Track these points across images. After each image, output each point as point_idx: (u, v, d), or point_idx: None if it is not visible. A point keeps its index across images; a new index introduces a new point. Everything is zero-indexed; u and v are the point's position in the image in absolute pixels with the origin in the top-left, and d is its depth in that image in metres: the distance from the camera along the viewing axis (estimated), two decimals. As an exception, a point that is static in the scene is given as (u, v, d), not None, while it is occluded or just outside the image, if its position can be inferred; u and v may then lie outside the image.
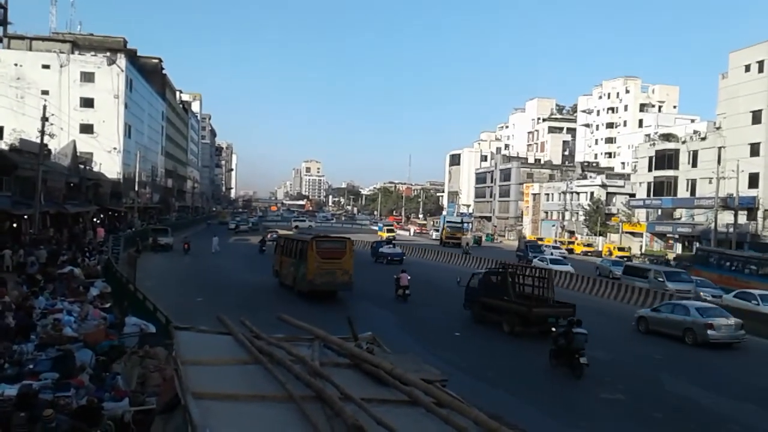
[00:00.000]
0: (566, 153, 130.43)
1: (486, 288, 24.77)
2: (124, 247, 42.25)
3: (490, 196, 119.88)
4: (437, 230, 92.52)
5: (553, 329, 18.04)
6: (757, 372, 19.05)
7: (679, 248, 68.94)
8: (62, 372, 10.49)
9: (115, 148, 64.27)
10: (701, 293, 31.79)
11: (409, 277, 29.32)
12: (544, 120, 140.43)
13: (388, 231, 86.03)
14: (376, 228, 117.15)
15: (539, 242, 71.62)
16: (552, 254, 52.72)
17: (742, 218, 57.77)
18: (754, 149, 58.91)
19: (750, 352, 21.62)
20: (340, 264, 28.83)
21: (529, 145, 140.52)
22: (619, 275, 39.52)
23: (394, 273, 32.12)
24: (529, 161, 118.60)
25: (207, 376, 4.48)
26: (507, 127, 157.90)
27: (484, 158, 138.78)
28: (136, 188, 65.39)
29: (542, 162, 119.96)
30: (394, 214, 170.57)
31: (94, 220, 53.80)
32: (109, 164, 62.23)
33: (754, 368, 19.57)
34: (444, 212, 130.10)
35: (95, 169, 58.75)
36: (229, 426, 3.77)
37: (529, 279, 24.49)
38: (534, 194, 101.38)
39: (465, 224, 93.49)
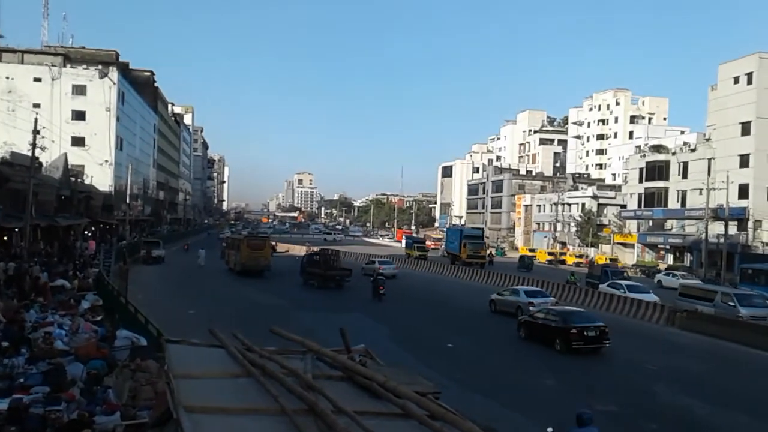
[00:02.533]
0: (557, 164, 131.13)
1: (309, 263, 41.65)
2: (115, 260, 42.05)
3: (482, 208, 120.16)
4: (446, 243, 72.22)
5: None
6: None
7: (670, 259, 69.23)
8: (53, 386, 10.40)
9: (106, 161, 64.09)
10: None
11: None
12: (535, 132, 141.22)
13: (419, 249, 68.74)
14: (393, 242, 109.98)
15: (616, 264, 60.18)
16: (628, 281, 38.29)
17: (733, 229, 58.07)
18: (744, 160, 59.35)
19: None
20: (262, 254, 44.90)
21: (520, 157, 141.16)
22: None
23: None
24: (520, 173, 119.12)
25: (199, 389, 4.46)
26: (498, 138, 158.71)
27: (476, 170, 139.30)
28: (128, 201, 65.14)
29: (534, 173, 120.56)
30: (386, 225, 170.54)
31: (86, 232, 53.56)
32: (100, 177, 62.00)
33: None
34: (456, 223, 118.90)
35: (87, 181, 58.50)
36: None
37: (333, 256, 41.54)
38: (526, 205, 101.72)
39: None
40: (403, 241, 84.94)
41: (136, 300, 22.51)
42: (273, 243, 55.95)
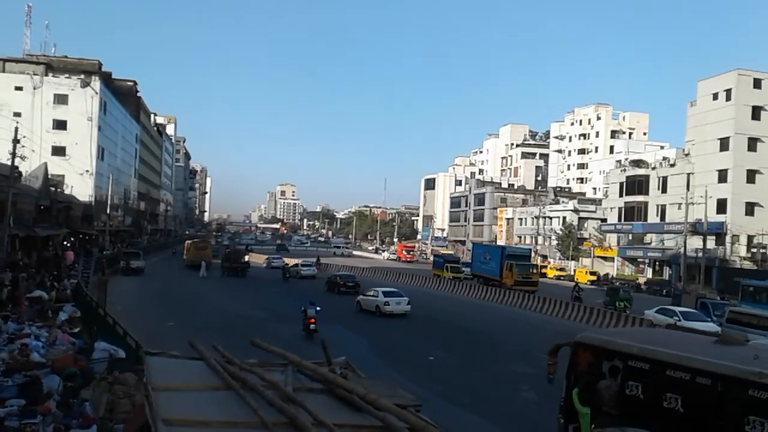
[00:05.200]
0: (539, 178, 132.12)
1: (225, 258, 57.14)
2: (94, 271, 41.65)
3: (465, 221, 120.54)
4: (446, 261, 62.01)
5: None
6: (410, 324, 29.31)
7: (649, 272, 69.84)
8: (29, 398, 10.27)
9: (87, 171, 63.52)
10: None
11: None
12: (517, 145, 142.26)
13: (454, 270, 58.32)
14: (391, 257, 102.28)
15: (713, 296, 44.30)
16: (682, 308, 32.69)
17: (711, 243, 58.79)
18: (722, 176, 60.20)
19: (411, 318, 32.72)
20: (205, 253, 59.13)
21: (502, 170, 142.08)
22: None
23: None
24: (502, 186, 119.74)
25: (178, 402, 4.43)
26: (481, 152, 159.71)
27: (458, 183, 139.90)
28: (108, 211, 64.60)
29: (516, 187, 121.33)
30: (369, 237, 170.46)
31: (65, 243, 52.99)
32: (81, 187, 61.43)
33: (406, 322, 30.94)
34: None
35: (67, 191, 57.95)
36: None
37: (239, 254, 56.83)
38: (508, 218, 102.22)
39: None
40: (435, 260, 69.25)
41: (114, 312, 22.29)
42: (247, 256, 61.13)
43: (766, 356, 8.49)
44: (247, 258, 58.44)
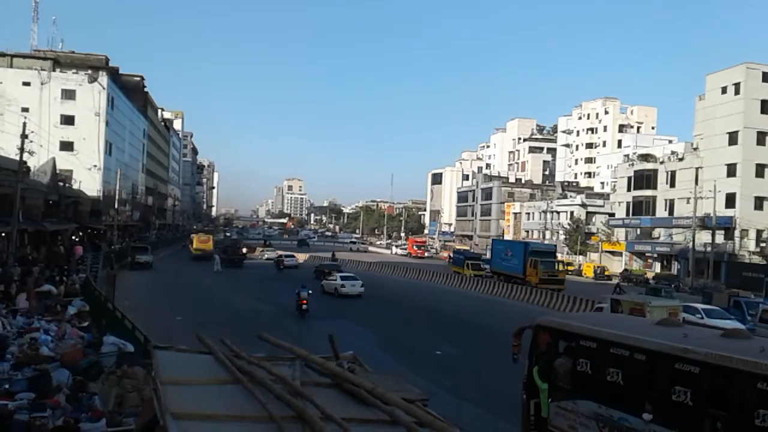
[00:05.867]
0: (546, 173, 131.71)
1: (223, 251, 60.94)
2: (103, 266, 41.86)
3: (472, 215, 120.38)
4: (465, 257, 60.68)
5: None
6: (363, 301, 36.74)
7: (657, 267, 69.62)
8: (38, 392, 10.32)
9: (95, 166, 63.71)
10: None
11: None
12: (524, 140, 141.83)
13: (474, 268, 56.08)
14: (402, 252, 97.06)
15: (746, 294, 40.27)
16: (706, 306, 31.34)
17: (720, 238, 58.52)
18: (731, 170, 59.87)
19: (364, 297, 37.64)
20: (207, 244, 66.22)
21: (509, 165, 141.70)
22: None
23: None
24: (510, 180, 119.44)
25: (186, 395, 4.44)
26: (488, 146, 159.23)
27: (465, 177, 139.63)
28: (116, 206, 64.78)
29: (523, 181, 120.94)
30: (376, 232, 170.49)
31: (73, 238, 53.21)
32: (89, 182, 61.63)
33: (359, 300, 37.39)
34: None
35: (75, 186, 58.15)
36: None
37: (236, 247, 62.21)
38: (515, 213, 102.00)
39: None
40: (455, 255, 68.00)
41: (123, 306, 22.39)
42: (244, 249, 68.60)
43: (696, 335, 9.85)
44: (245, 250, 66.65)
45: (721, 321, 26.64)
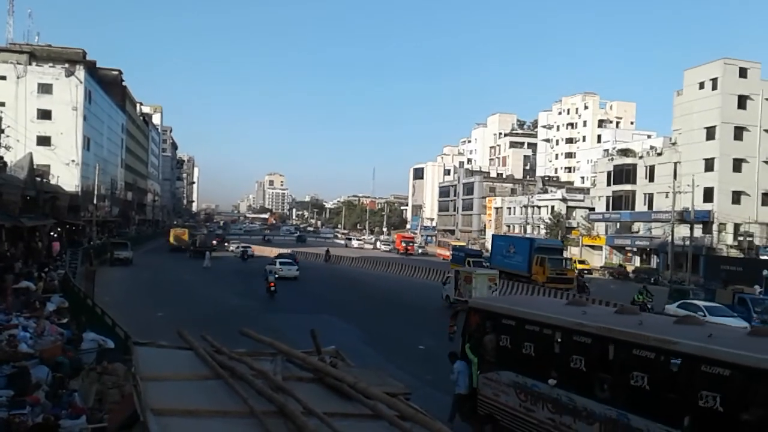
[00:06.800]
0: (527, 167, 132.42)
1: (192, 243, 68.06)
2: (81, 262, 41.47)
3: (454, 210, 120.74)
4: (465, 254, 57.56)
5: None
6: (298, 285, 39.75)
7: (637, 261, 70.32)
8: (17, 389, 10.21)
9: (73, 161, 62.97)
10: None
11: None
12: (505, 135, 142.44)
13: (476, 265, 47.57)
14: (388, 249, 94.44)
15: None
16: (708, 303, 30.78)
17: (698, 231, 59.20)
18: (709, 164, 60.59)
19: (300, 280, 43.63)
20: (184, 237, 73.13)
21: (491, 160, 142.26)
22: None
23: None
24: (491, 175, 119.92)
25: (167, 391, 4.41)
26: (469, 141, 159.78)
27: (447, 172, 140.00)
28: (95, 201, 64.14)
29: (504, 176, 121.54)
30: (358, 227, 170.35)
31: (52, 234, 52.63)
32: (67, 177, 60.91)
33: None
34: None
35: (53, 181, 57.48)
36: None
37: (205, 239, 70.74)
38: (496, 208, 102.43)
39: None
40: (450, 255, 65.97)
41: (102, 302, 22.21)
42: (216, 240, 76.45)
43: (593, 312, 11.62)
44: (215, 242, 73.15)
45: (725, 318, 26.08)
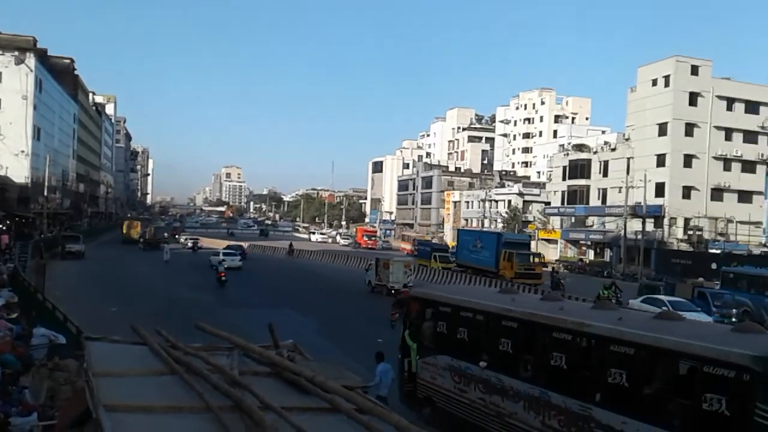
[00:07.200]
0: (485, 162, 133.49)
1: (143, 235, 70.00)
2: (31, 255, 40.40)
3: (412, 204, 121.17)
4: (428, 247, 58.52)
5: None
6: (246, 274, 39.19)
7: (591, 254, 71.65)
8: (-36, 387, 9.93)
9: (23, 151, 61.13)
10: None
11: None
12: (464, 129, 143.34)
13: (443, 260, 52.10)
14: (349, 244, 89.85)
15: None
16: (672, 297, 29.97)
17: (650, 226, 60.63)
18: (660, 160, 62.02)
19: (243, 270, 45.43)
20: (135, 230, 73.78)
21: (449, 154, 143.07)
22: None
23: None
24: (449, 169, 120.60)
25: (120, 387, 4.34)
26: (428, 135, 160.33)
27: (406, 166, 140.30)
28: (46, 193, 62.51)
29: (462, 170, 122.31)
30: (317, 220, 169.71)
31: (0, 226, 51.20)
32: (16, 168, 59.18)
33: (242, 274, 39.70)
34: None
35: (1, 173, 55.92)
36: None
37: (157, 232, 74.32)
38: (455, 202, 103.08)
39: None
40: (413, 248, 66.66)
41: (54, 297, 21.69)
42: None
43: (521, 299, 12.52)
44: (166, 234, 74.67)
45: (688, 314, 23.74)
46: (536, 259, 47.02)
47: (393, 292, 33.27)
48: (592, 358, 9.45)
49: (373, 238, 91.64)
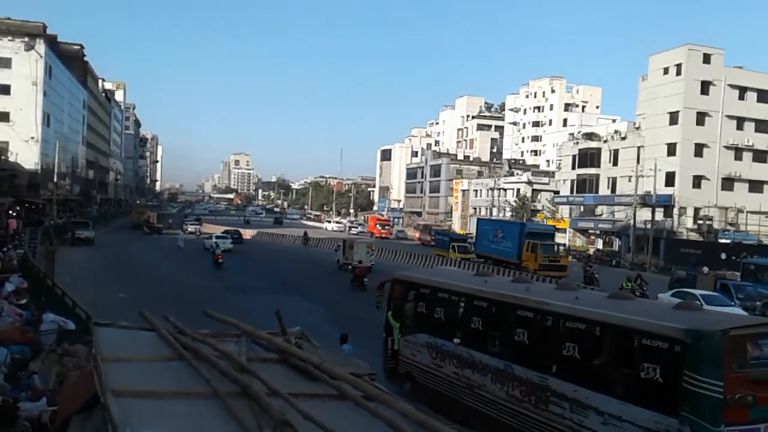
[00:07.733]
0: (494, 150, 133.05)
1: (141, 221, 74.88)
2: (41, 241, 40.64)
3: (421, 192, 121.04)
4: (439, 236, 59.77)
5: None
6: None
7: (600, 243, 71.45)
8: (-26, 372, 10.00)
9: (32, 138, 61.39)
10: None
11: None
12: (473, 117, 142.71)
13: (461, 251, 51.59)
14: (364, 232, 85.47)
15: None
16: (703, 291, 28.46)
17: (659, 215, 60.36)
18: (671, 149, 61.63)
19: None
20: (143, 216, 76.57)
21: (458, 142, 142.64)
22: None
23: None
24: (458, 158, 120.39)
25: (128, 373, 4.34)
26: (437, 123, 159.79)
27: (414, 154, 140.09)
28: (55, 179, 62.79)
29: (471, 159, 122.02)
30: (325, 208, 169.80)
31: (10, 212, 51.47)
32: (26, 154, 59.45)
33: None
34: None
35: (11, 159, 56.16)
36: (150, 424, 3.67)
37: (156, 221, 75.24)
38: (463, 190, 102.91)
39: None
40: (430, 237, 65.98)
41: (63, 282, 21.81)
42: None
43: (493, 281, 13.83)
44: (171, 221, 78.64)
45: (722, 308, 23.93)
46: (561, 251, 44.92)
47: (350, 267, 37.19)
48: (550, 333, 10.47)
49: (387, 227, 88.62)
